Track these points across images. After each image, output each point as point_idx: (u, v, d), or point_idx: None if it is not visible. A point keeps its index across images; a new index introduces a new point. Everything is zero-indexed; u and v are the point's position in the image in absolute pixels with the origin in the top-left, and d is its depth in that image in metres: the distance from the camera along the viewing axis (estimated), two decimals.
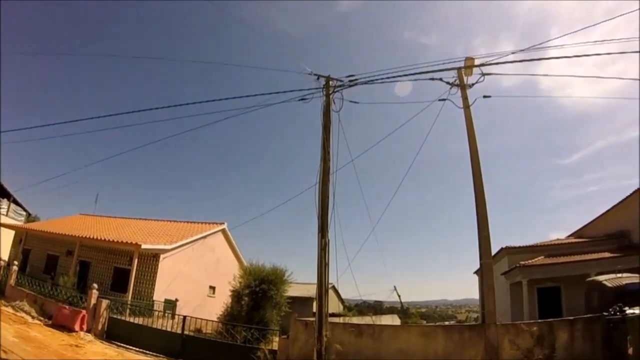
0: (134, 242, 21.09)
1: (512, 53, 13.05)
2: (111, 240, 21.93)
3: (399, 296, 57.20)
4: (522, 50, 12.92)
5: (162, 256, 22.27)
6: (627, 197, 24.46)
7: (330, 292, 38.66)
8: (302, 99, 13.03)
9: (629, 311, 9.47)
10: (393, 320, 35.14)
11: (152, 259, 22.00)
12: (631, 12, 13.88)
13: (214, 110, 17.13)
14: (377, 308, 58.70)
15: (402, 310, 55.35)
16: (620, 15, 13.03)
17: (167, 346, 14.18)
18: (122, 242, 21.49)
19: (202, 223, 29.17)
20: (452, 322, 57.11)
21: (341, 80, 13.09)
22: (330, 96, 12.89)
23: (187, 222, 29.59)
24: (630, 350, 8.93)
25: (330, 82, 13.01)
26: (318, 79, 12.94)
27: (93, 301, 15.98)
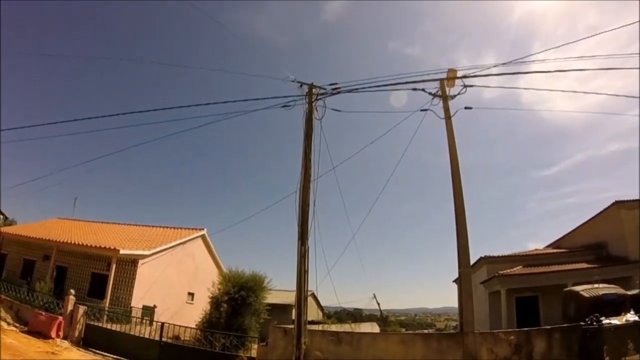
0: (112, 248, 20.92)
1: (494, 66, 13.24)
2: (89, 245, 21.70)
3: (379, 304, 57.42)
4: (504, 63, 13.15)
5: (140, 262, 22.07)
6: (604, 210, 24.95)
7: (310, 299, 38.60)
8: (285, 106, 13.02)
9: (605, 321, 9.62)
10: (372, 328, 35.11)
11: (130, 264, 21.78)
12: (613, 29, 14.21)
13: (196, 115, 17.09)
14: (356, 316, 58.75)
15: (382, 318, 55.49)
16: (602, 33, 13.29)
17: (145, 353, 14.04)
18: (100, 247, 21.27)
19: (181, 229, 29.00)
20: (431, 331, 57.38)
21: (324, 88, 13.10)
22: (313, 104, 12.88)
23: (166, 227, 29.44)
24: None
25: (313, 90, 13.00)
26: (301, 86, 12.92)
27: (70, 307, 15.75)
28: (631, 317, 9.91)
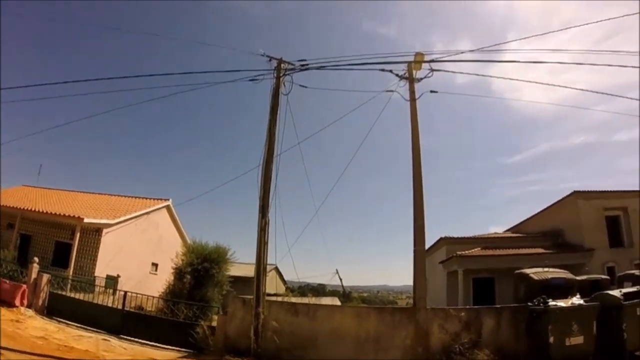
0: (76, 216, 20.72)
1: (462, 52, 13.50)
2: (53, 213, 21.46)
3: (341, 279, 57.96)
4: (472, 50, 13.42)
5: (104, 231, 21.98)
6: (563, 199, 25.79)
7: (273, 273, 39.03)
8: (253, 80, 13.04)
9: (551, 303, 10.04)
10: (333, 302, 35.66)
11: (94, 233, 21.67)
12: (586, 24, 14.61)
13: (163, 85, 16.99)
14: (320, 291, 59.26)
15: (344, 294, 56.08)
16: (576, 26, 13.63)
17: (108, 322, 14.02)
18: (64, 215, 21.05)
19: (146, 199, 28.84)
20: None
21: (293, 64, 13.14)
22: (281, 79, 12.93)
23: (131, 197, 29.18)
24: (551, 339, 9.55)
25: (282, 65, 13.03)
26: (270, 60, 12.95)
27: (34, 276, 15.57)
28: (577, 300, 10.38)
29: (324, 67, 13.26)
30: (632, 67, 13.29)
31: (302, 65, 13.20)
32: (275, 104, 12.69)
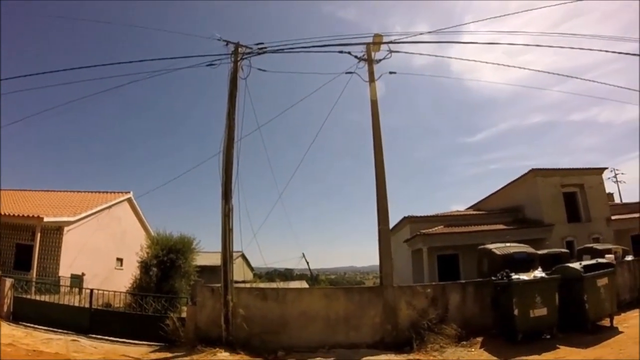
0: (35, 216, 20.03)
1: (420, 34, 13.67)
2: (10, 214, 20.63)
3: (307, 263, 58.25)
4: (430, 32, 13.59)
5: (66, 229, 21.43)
6: (521, 176, 26.59)
7: (240, 260, 38.94)
8: (210, 65, 12.85)
9: (514, 276, 10.31)
10: (301, 285, 35.88)
11: (55, 232, 21.09)
12: (543, 7, 14.89)
13: (118, 73, 16.64)
14: (287, 275, 59.52)
15: (312, 277, 56.38)
16: (534, 9, 13.90)
17: (76, 322, 13.67)
18: (22, 216, 20.30)
19: (106, 192, 28.19)
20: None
21: (250, 48, 13.02)
22: (238, 63, 12.76)
23: (91, 192, 28.45)
24: (516, 312, 9.82)
25: (239, 49, 12.87)
26: (227, 45, 12.74)
27: None
28: (539, 273, 10.67)
29: (282, 50, 13.22)
30: (588, 49, 13.70)
31: (260, 49, 13.06)
32: (234, 88, 12.52)
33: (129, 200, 28.75)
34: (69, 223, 21.61)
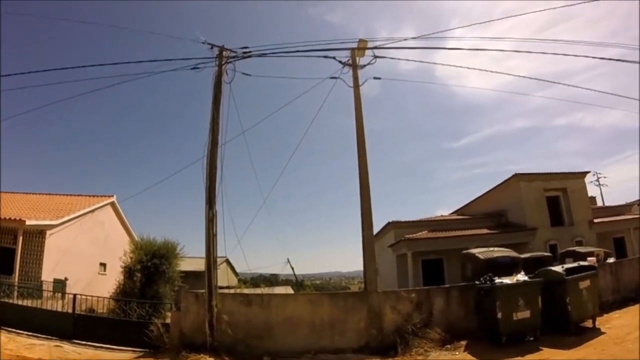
0: (17, 219, 19.74)
1: (404, 39, 13.79)
2: None
3: (292, 268, 58.25)
4: (415, 37, 13.69)
5: (48, 233, 21.11)
6: (505, 181, 26.86)
7: (225, 265, 38.74)
8: (195, 68, 12.81)
9: (498, 280, 10.43)
10: (286, 291, 35.73)
11: (38, 236, 20.77)
12: (528, 13, 15.10)
13: (103, 75, 16.52)
14: (272, 281, 59.33)
15: (297, 283, 56.30)
16: (518, 15, 14.08)
17: (60, 327, 13.51)
18: (4, 218, 20.01)
19: (89, 196, 27.84)
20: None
21: (235, 51, 12.98)
22: (223, 67, 12.74)
23: (74, 195, 28.10)
24: (499, 315, 9.92)
25: (224, 53, 12.84)
26: (212, 48, 12.71)
27: None
28: (521, 277, 10.80)
29: (267, 54, 13.22)
30: (573, 55, 13.85)
31: (245, 53, 13.02)
32: (218, 92, 12.47)
33: (112, 204, 28.41)
34: (51, 227, 21.33)
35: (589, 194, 30.44)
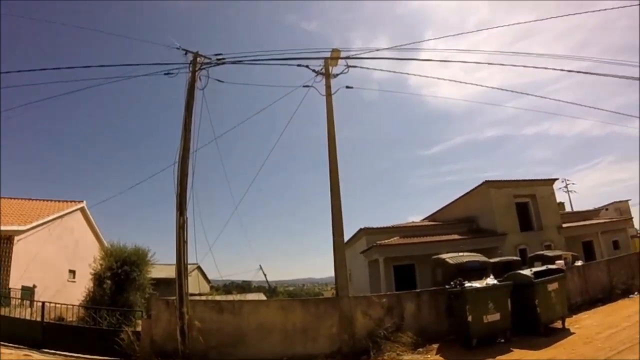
0: None
1: (377, 50, 13.95)
2: None
3: (265, 275, 58.08)
4: (388, 48, 13.86)
5: (16, 238, 20.61)
6: (475, 188, 27.35)
7: (196, 272, 38.45)
8: (168, 73, 12.71)
9: (467, 284, 10.61)
10: (259, 297, 35.58)
11: (5, 242, 20.26)
12: (500, 27, 15.44)
13: (73, 78, 16.28)
14: (245, 288, 58.97)
15: (269, 289, 56.15)
16: (490, 28, 14.40)
17: (28, 336, 13.21)
18: None
19: (59, 201, 27.23)
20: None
21: (209, 58, 12.96)
22: (197, 73, 12.71)
23: (43, 200, 27.35)
24: (470, 318, 10.08)
25: (198, 59, 12.81)
26: (186, 54, 12.69)
27: None
28: (491, 281, 11.03)
29: (241, 61, 13.23)
30: (543, 68, 14.22)
31: (219, 60, 13.01)
32: (191, 98, 12.42)
33: (82, 209, 27.83)
34: (19, 232, 20.82)
35: (558, 200, 31.31)
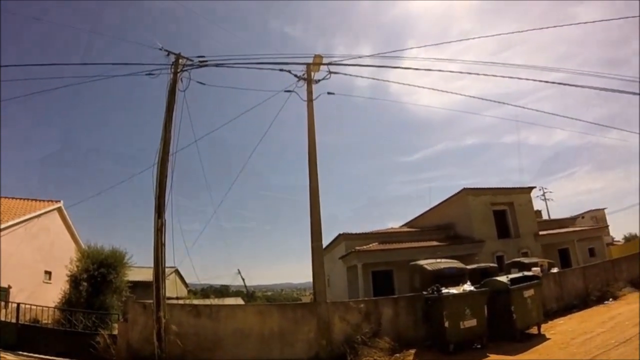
0: None
1: (359, 57, 14.05)
2: None
3: (243, 279, 57.77)
4: (371, 55, 14.01)
5: None
6: (454, 195, 27.65)
7: (174, 276, 38.03)
8: (150, 74, 12.61)
9: (444, 291, 10.73)
10: (237, 302, 35.53)
11: None
12: (483, 37, 15.64)
13: (53, 76, 16.09)
14: (223, 292, 58.74)
15: (248, 294, 55.88)
16: (472, 39, 14.60)
17: (2, 338, 13.03)
18: None
19: (35, 200, 26.55)
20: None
21: (191, 60, 12.90)
22: (178, 74, 12.63)
23: (17, 198, 26.53)
24: (447, 324, 10.17)
25: (180, 60, 12.74)
26: (168, 55, 12.60)
27: None
28: (467, 287, 11.14)
29: (223, 64, 13.21)
30: (523, 78, 14.43)
31: (201, 62, 12.97)
32: (172, 100, 12.31)
33: (59, 209, 27.17)
34: None
35: (535, 208, 31.78)
